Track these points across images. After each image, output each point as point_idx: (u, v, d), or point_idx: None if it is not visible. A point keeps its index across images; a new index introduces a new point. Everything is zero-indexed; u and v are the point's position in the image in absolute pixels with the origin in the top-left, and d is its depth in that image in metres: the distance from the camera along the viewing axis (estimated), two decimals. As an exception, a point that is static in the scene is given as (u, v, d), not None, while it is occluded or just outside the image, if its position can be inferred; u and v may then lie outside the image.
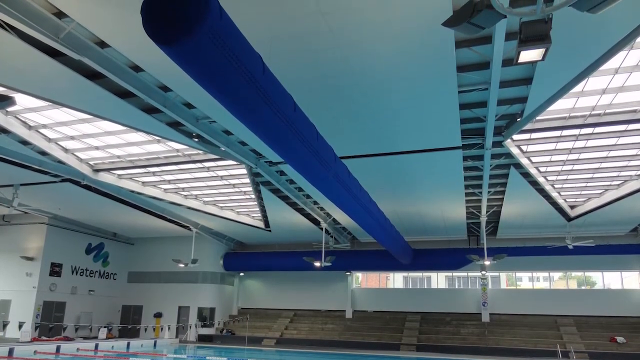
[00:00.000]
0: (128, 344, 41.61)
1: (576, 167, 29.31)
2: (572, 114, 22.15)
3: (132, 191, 36.22)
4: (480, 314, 47.02)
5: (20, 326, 39.26)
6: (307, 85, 18.53)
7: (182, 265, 44.29)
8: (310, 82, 18.42)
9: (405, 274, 54.24)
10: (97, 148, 28.68)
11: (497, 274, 49.98)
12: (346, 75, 17.87)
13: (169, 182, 35.41)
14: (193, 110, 22.11)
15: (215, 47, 8.73)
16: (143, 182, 35.78)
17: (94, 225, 49.84)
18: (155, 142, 27.52)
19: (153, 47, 8.84)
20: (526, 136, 25.04)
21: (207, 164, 31.04)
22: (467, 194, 33.59)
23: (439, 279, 52.52)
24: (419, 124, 22.60)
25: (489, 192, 31.72)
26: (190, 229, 46.75)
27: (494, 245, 43.63)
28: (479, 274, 47.52)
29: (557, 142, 25.60)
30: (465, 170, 29.07)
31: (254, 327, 50.21)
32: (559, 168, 29.55)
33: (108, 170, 32.53)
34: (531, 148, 26.94)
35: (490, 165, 27.29)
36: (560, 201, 35.65)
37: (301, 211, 40.12)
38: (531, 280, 50.93)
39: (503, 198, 34.97)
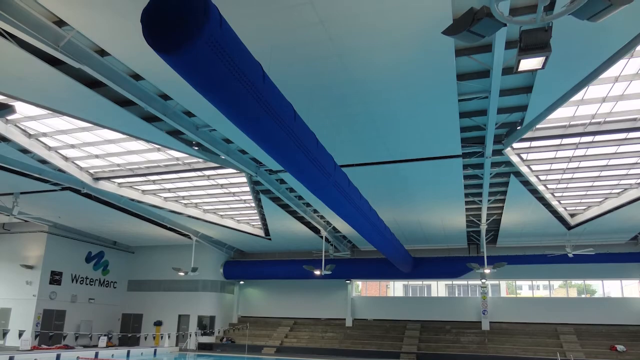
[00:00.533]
0: (128, 352, 41.59)
1: (576, 175, 29.30)
2: (572, 123, 22.16)
3: (132, 199, 36.23)
4: (481, 322, 46.98)
5: (20, 334, 39.24)
6: (307, 93, 18.54)
7: (182, 274, 44.24)
8: (310, 90, 18.42)
9: (405, 282, 54.21)
10: (97, 156, 28.68)
11: (497, 282, 49.94)
12: (346, 84, 17.88)
13: (169, 190, 35.41)
14: (193, 118, 22.11)
15: (215, 56, 8.73)
16: (143, 191, 35.78)
17: (94, 234, 49.85)
18: (155, 150, 27.53)
19: (153, 56, 8.85)
20: (526, 144, 25.04)
21: (207, 173, 31.05)
22: (467, 202, 33.58)
23: (439, 287, 52.49)
24: (419, 132, 22.60)
25: (489, 200, 31.70)
26: (190, 238, 46.75)
27: (494, 253, 43.66)
28: (479, 282, 47.55)
29: (557, 150, 25.60)
30: (465, 179, 29.08)
31: (254, 335, 50.16)
32: (558, 176, 29.55)
33: (108, 178, 32.53)
34: (531, 156, 26.93)
35: (490, 174, 27.29)
36: (560, 209, 35.65)
37: (301, 219, 40.12)
38: (531, 288, 50.92)
39: (503, 206, 34.96)
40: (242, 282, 56.82)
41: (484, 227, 36.29)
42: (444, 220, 38.80)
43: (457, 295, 52.58)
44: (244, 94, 10.24)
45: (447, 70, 16.75)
